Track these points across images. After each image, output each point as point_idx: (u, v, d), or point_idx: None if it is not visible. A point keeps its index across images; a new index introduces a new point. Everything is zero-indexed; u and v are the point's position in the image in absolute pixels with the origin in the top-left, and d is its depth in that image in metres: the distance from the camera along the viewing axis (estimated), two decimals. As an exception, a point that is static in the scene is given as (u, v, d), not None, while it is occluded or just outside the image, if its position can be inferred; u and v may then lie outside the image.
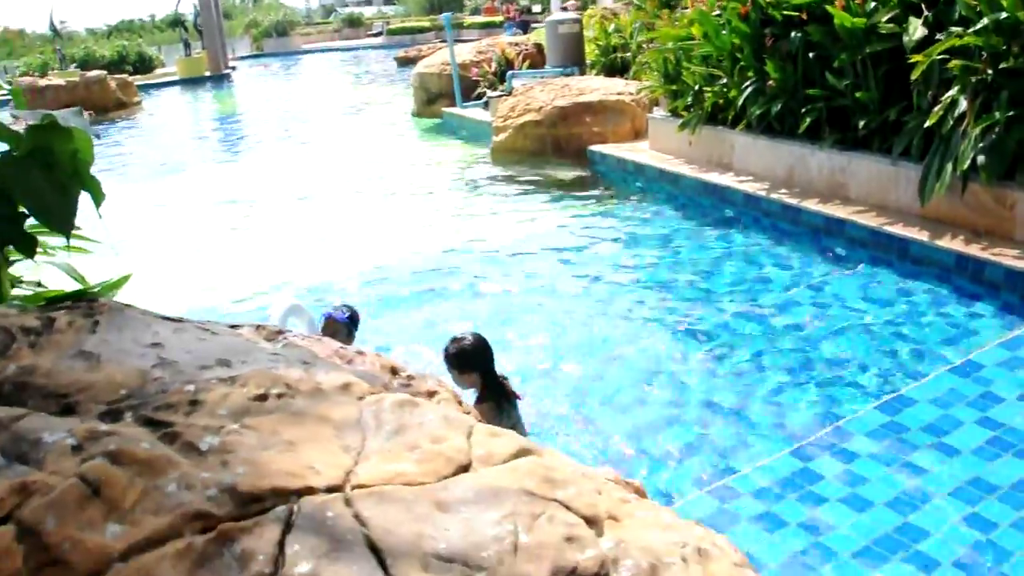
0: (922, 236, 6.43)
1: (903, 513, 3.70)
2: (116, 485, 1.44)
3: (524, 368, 5.35)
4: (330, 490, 1.59)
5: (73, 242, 3.47)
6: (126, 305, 2.40)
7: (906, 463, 4.06)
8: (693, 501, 3.91)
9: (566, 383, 5.15)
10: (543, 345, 5.71)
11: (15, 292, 3.24)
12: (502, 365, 5.26)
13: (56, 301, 3.27)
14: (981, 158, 6.03)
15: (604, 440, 4.50)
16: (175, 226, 9.65)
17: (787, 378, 5.01)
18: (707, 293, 6.42)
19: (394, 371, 2.78)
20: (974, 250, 6.07)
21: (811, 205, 7.41)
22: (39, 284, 3.38)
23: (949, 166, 6.27)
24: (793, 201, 7.58)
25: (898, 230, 6.61)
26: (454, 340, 4.11)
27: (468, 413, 2.89)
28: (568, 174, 10.59)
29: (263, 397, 1.90)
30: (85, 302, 2.37)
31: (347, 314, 4.98)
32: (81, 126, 2.89)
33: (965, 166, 6.13)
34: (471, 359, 4.02)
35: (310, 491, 1.56)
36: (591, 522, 1.64)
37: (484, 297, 6.67)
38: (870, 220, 6.88)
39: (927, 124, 6.44)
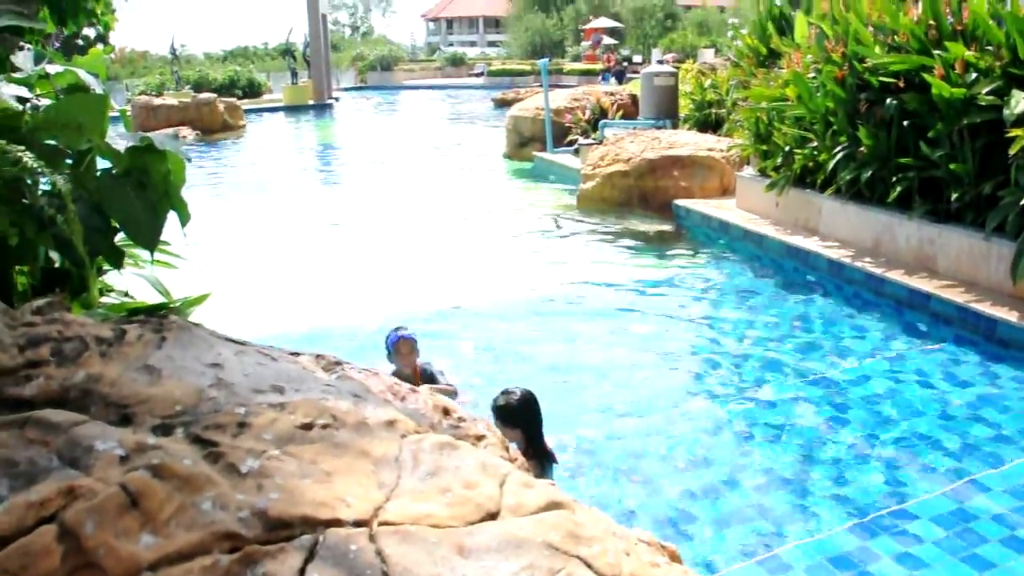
0: (1011, 316, 6.18)
1: (963, 603, 3.53)
2: (155, 497, 1.51)
3: (586, 416, 5.33)
4: (357, 524, 1.63)
5: (161, 257, 3.67)
6: (195, 324, 2.51)
7: (972, 555, 3.87)
8: (741, 571, 3.81)
9: (627, 436, 5.10)
10: (609, 395, 5.67)
11: (103, 300, 3.43)
12: (564, 410, 5.28)
13: (137, 312, 3.44)
14: (1080, 240, 5.79)
15: (657, 499, 4.42)
16: (263, 246, 9.99)
17: (854, 452, 4.85)
18: (781, 359, 6.29)
19: (446, 412, 2.82)
20: (1068, 337, 5.80)
21: (896, 276, 7.21)
22: (126, 294, 3.57)
23: (1045, 246, 6.03)
24: (878, 271, 7.39)
25: (986, 308, 6.37)
26: (504, 393, 4.13)
27: (514, 460, 2.92)
28: (652, 227, 10.58)
29: (309, 426, 1.97)
30: (156, 318, 2.48)
31: (410, 332, 5.14)
32: (175, 150, 3.06)
33: (1063, 248, 5.89)
34: (516, 415, 4.02)
35: (337, 523, 1.61)
36: (611, 583, 1.64)
37: (553, 343, 6.67)
38: (957, 296, 6.65)
39: (1024, 201, 6.23)
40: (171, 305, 3.46)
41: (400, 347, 5.17)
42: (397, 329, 5.27)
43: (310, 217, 11.92)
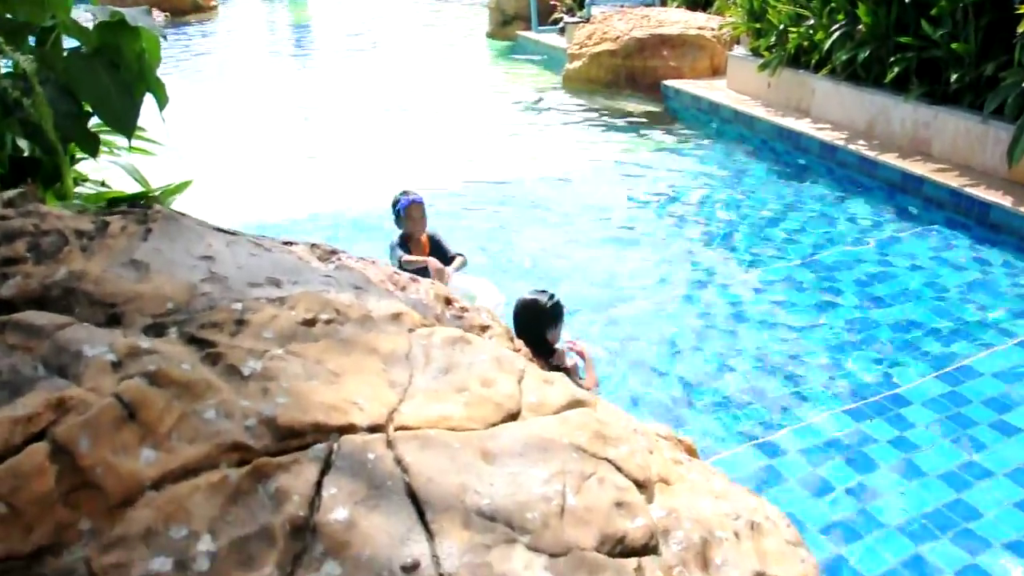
0: (1005, 201, 6.11)
1: (957, 488, 3.57)
2: (153, 408, 1.39)
3: (577, 304, 5.25)
4: (372, 429, 1.53)
5: (137, 143, 3.46)
6: (181, 214, 2.35)
7: (963, 437, 3.91)
8: (740, 454, 3.82)
9: (619, 322, 5.05)
10: (598, 282, 5.59)
11: (78, 190, 3.24)
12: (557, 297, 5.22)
13: (116, 203, 3.25)
14: (1082, 124, 5.66)
15: (654, 385, 4.40)
16: (240, 132, 9.62)
17: (846, 337, 4.83)
18: (771, 242, 6.21)
19: (448, 302, 2.71)
20: (1061, 221, 5.75)
21: (890, 159, 7.08)
22: (103, 184, 3.37)
23: (1045, 129, 5.91)
24: (871, 154, 7.25)
25: (980, 192, 6.29)
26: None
27: (519, 350, 2.83)
28: (640, 107, 10.30)
29: (311, 322, 1.85)
30: (140, 208, 2.32)
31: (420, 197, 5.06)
32: (149, 26, 2.81)
33: (1063, 130, 5.77)
34: (517, 326, 3.86)
35: (352, 429, 1.51)
36: (642, 486, 1.56)
37: (542, 226, 6.53)
38: (951, 180, 6.55)
39: (1027, 82, 6.07)
40: (151, 194, 3.29)
41: (412, 211, 5.05)
42: (405, 193, 5.14)
43: (287, 101, 11.46)
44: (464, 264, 5.20)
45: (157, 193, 3.29)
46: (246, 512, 1.28)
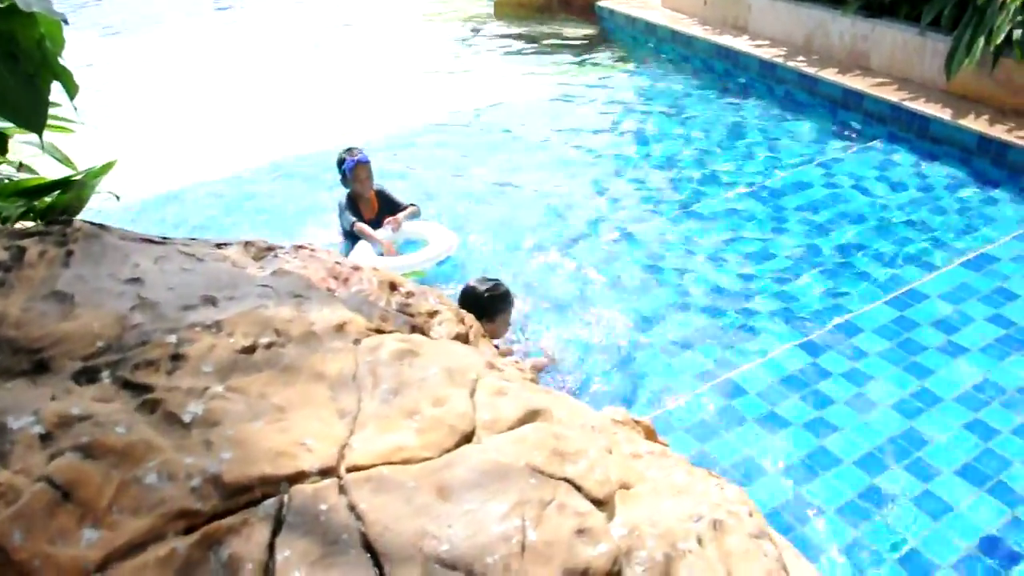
0: (944, 114, 6.14)
1: (908, 416, 3.66)
2: (90, 483, 1.32)
3: (524, 243, 5.21)
4: (324, 473, 1.48)
5: (54, 122, 3.27)
6: (102, 228, 2.23)
7: (914, 364, 3.99)
8: (700, 395, 3.85)
9: (563, 266, 5.00)
10: (543, 222, 5.52)
11: None
12: (501, 241, 5.18)
13: (38, 191, 3.10)
14: (1018, 32, 5.66)
15: (604, 330, 4.39)
16: (161, 91, 9.11)
17: (793, 265, 4.86)
18: (714, 169, 6.18)
19: (393, 287, 2.65)
20: (998, 131, 5.81)
21: (829, 75, 7.05)
22: (21, 166, 3.19)
23: (981, 39, 5.91)
24: (811, 70, 7.21)
25: (919, 106, 6.31)
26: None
27: (470, 328, 2.78)
28: (575, 31, 10.08)
29: (251, 349, 1.78)
30: (58, 227, 2.19)
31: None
32: (47, 10, 2.62)
33: (999, 40, 5.77)
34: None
35: (301, 477, 1.45)
36: (602, 503, 1.55)
37: (478, 164, 6.41)
38: (891, 94, 6.56)
39: (961, -9, 6.04)
40: (74, 178, 3.13)
41: (358, 173, 5.02)
42: (349, 151, 5.08)
43: (207, 51, 10.83)
44: (417, 214, 5.14)
45: (80, 176, 3.14)
46: (199, 589, 1.24)
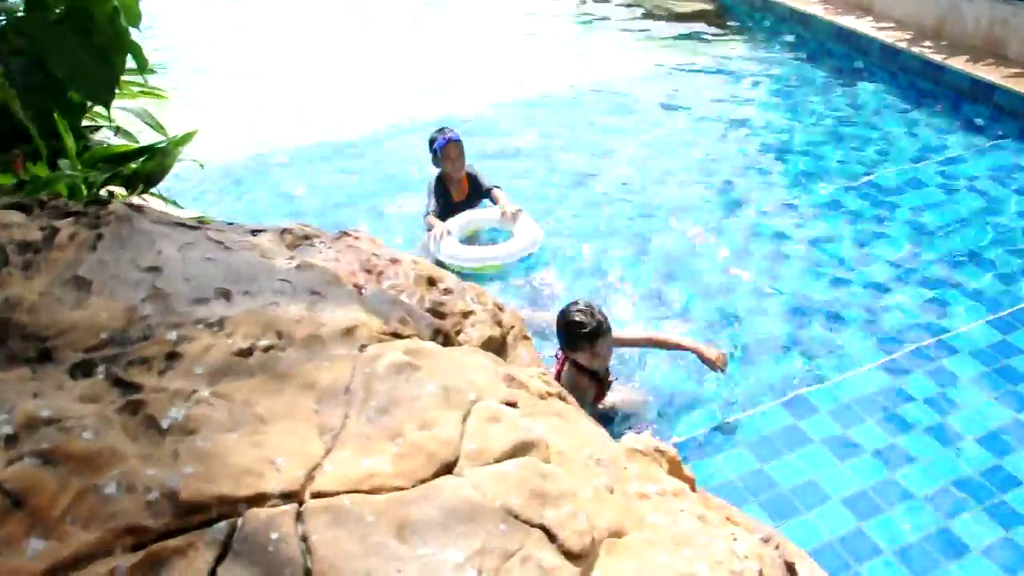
0: (1084, 113, 5.59)
1: (996, 454, 3.36)
2: (44, 491, 1.30)
3: (618, 224, 5.06)
4: (286, 496, 1.42)
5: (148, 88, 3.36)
6: (137, 211, 2.24)
7: (1010, 392, 3.66)
8: (765, 411, 3.65)
9: (643, 262, 4.81)
10: (642, 203, 5.36)
11: (98, 137, 3.19)
12: (594, 221, 5.04)
13: (123, 158, 3.17)
14: None
15: (685, 324, 4.18)
16: (250, 57, 9.14)
17: (893, 273, 4.53)
18: (819, 160, 5.83)
19: (431, 282, 2.58)
20: None
21: (958, 64, 6.53)
22: (118, 130, 3.28)
23: None
24: (937, 57, 6.69)
25: (1057, 102, 5.77)
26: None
27: (509, 330, 2.69)
28: (690, 5, 9.68)
29: (248, 352, 1.74)
30: (95, 207, 2.21)
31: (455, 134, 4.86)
32: (121, -17, 2.65)
33: None
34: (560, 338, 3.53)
35: (261, 500, 1.40)
36: (577, 558, 1.44)
37: (572, 145, 6.22)
38: (1025, 87, 6.02)
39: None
40: (158, 146, 3.19)
41: (449, 151, 4.81)
42: (441, 131, 4.90)
43: (303, 19, 10.70)
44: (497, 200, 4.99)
45: (164, 144, 3.19)
46: (131, 613, 1.20)
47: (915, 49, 6.90)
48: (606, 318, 3.35)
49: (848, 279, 4.53)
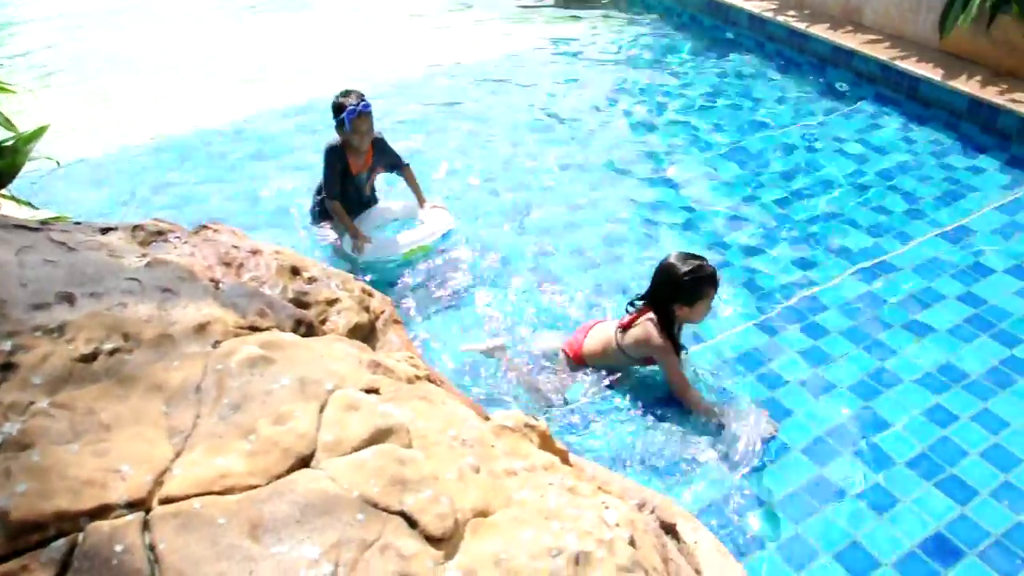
0: (936, 74, 5.88)
1: (865, 398, 3.53)
2: None
3: (497, 203, 5.03)
4: (132, 505, 1.36)
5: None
6: (-30, 213, 2.10)
7: (877, 342, 3.85)
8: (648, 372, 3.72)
9: (538, 224, 4.85)
10: (522, 182, 5.34)
11: None
12: (478, 198, 4.99)
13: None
14: (1014, -12, 5.38)
15: (560, 300, 4.21)
16: (102, 42, 8.71)
17: (764, 234, 4.68)
18: (695, 129, 5.96)
19: (295, 271, 2.52)
20: (990, 94, 5.56)
21: (820, 31, 6.77)
22: None
23: (977, -6, 5.62)
24: (801, 25, 6.92)
25: (910, 65, 6.05)
26: None
27: (379, 315, 2.66)
28: (566, -19, 9.71)
29: (92, 356, 1.65)
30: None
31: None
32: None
33: (995, -4, 5.50)
34: (652, 282, 3.50)
35: (104, 511, 1.33)
36: (440, 541, 1.42)
37: (464, 123, 6.17)
38: (881, 52, 6.29)
39: (957, -56, 5.73)
40: (4, 144, 3.03)
41: (359, 125, 4.34)
42: (347, 94, 4.39)
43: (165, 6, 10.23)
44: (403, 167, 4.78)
45: (11, 142, 3.01)
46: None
47: (780, 18, 7.11)
48: None
49: (725, 242, 4.65)
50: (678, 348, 3.50)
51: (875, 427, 3.39)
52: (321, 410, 1.62)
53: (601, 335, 3.61)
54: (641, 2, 8.84)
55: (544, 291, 4.25)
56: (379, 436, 1.58)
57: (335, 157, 4.43)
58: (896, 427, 3.39)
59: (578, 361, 3.63)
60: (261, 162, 5.65)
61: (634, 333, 3.47)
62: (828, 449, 3.30)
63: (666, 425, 3.40)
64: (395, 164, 4.74)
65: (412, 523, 1.42)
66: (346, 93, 4.41)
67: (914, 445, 3.31)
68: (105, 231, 2.30)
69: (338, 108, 4.37)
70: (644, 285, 4.27)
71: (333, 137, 4.46)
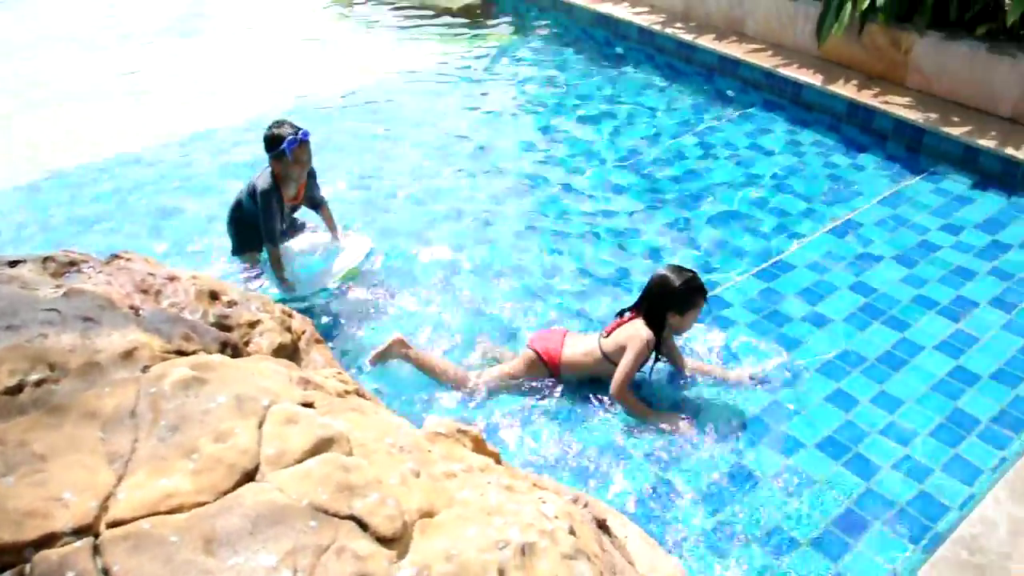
0: (816, 80, 6.23)
1: (772, 390, 3.70)
2: None
3: (391, 228, 5.02)
4: (79, 532, 1.35)
5: None
6: None
7: (780, 335, 4.04)
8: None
9: (439, 242, 4.84)
10: (420, 200, 5.36)
11: None
12: (377, 217, 4.99)
13: None
14: (881, -4, 5.76)
15: (458, 313, 4.25)
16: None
17: (666, 240, 4.85)
18: (591, 141, 6.11)
19: (213, 296, 2.51)
20: (866, 97, 5.92)
21: (706, 42, 7.07)
22: None
23: (849, 4, 5.99)
24: (688, 37, 7.22)
25: (792, 72, 6.39)
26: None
27: (300, 335, 2.66)
28: (456, 1, 9.84)
29: (18, 388, 1.63)
30: None
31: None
32: None
33: (864, 5, 5.86)
34: (645, 292, 3.65)
35: (51, 540, 1.32)
36: (391, 541, 1.46)
37: (360, 148, 6.14)
38: (765, 60, 6.62)
39: (827, -43, 6.09)
40: None
41: (301, 154, 4.17)
42: (280, 124, 4.22)
43: (53, 38, 9.95)
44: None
45: None
46: None
47: (668, 30, 7.39)
48: None
49: (627, 247, 4.79)
50: (658, 353, 3.64)
51: (784, 416, 3.57)
52: (260, 426, 1.63)
53: (583, 345, 3.69)
54: (532, 18, 9.02)
55: (461, 302, 4.30)
56: (321, 446, 1.60)
57: (273, 198, 4.18)
58: (803, 413, 3.57)
59: (554, 368, 3.68)
60: (161, 194, 5.51)
61: (622, 332, 3.59)
62: (744, 439, 3.45)
63: (592, 426, 3.50)
64: (316, 202, 4.61)
65: (363, 526, 1.45)
66: (279, 124, 4.24)
67: (821, 429, 3.50)
68: (13, 264, 2.25)
69: (276, 140, 4.16)
70: (554, 290, 4.44)
71: (261, 177, 4.23)
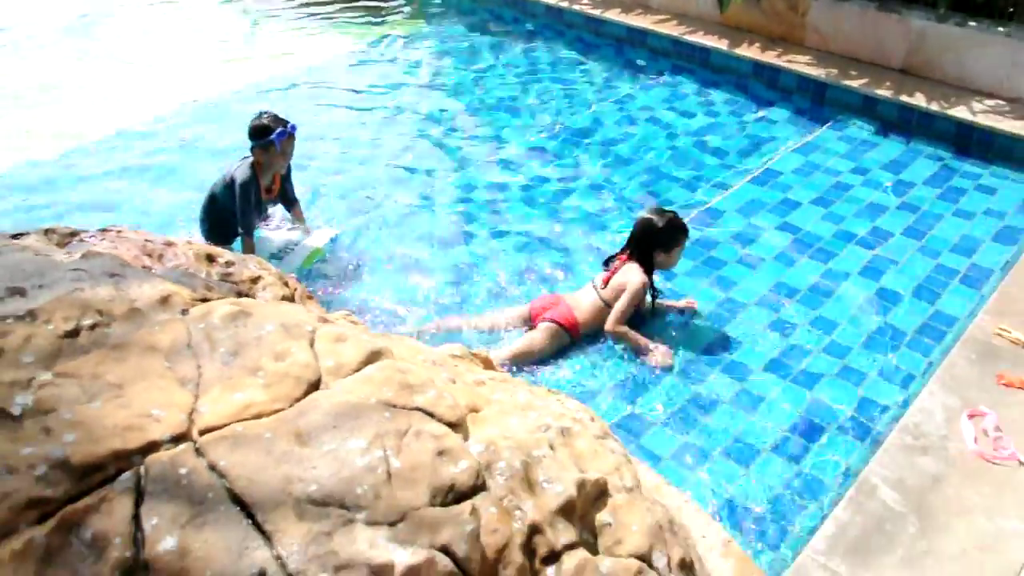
0: (722, 44, 6.58)
1: (719, 325, 3.98)
2: (-79, 484, 1.25)
3: (331, 211, 5.08)
4: (176, 439, 1.47)
5: None
6: None
7: (719, 278, 4.32)
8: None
9: (376, 224, 4.93)
10: (347, 184, 5.40)
11: None
12: (316, 213, 5.04)
13: None
14: (774, -37, 6.13)
15: (425, 285, 4.37)
16: None
17: (599, 199, 5.08)
18: (513, 117, 6.29)
19: (210, 258, 2.60)
20: (770, 57, 6.30)
21: (613, 16, 7.35)
22: None
23: (744, -29, 6.35)
24: (596, 12, 7.48)
25: (699, 39, 6.72)
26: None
27: (295, 291, 2.78)
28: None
29: (75, 332, 1.72)
30: None
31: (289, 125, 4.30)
32: None
33: (760, -29, 6.23)
34: (632, 236, 3.97)
35: (154, 446, 1.44)
36: (456, 426, 1.62)
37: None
38: (672, 29, 6.94)
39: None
40: None
41: (288, 146, 4.28)
42: (261, 116, 4.27)
43: None
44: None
45: None
46: (66, 570, 1.21)
47: (576, 7, 7.65)
48: None
49: (562, 210, 5.00)
50: (654, 293, 3.93)
51: (731, 346, 3.85)
52: (311, 345, 1.77)
53: (585, 301, 3.89)
54: (436, 4, 9.11)
55: (412, 281, 4.40)
56: (373, 357, 1.75)
57: (252, 189, 4.24)
58: (747, 344, 3.86)
59: (575, 332, 3.85)
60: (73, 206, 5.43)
61: (619, 278, 3.83)
62: (698, 371, 3.71)
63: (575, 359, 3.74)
64: (290, 199, 4.66)
65: (430, 415, 1.61)
66: (261, 115, 4.29)
67: (764, 354, 3.80)
68: (17, 236, 2.30)
69: (263, 130, 4.21)
70: (501, 258, 4.60)
71: (239, 169, 4.26)
